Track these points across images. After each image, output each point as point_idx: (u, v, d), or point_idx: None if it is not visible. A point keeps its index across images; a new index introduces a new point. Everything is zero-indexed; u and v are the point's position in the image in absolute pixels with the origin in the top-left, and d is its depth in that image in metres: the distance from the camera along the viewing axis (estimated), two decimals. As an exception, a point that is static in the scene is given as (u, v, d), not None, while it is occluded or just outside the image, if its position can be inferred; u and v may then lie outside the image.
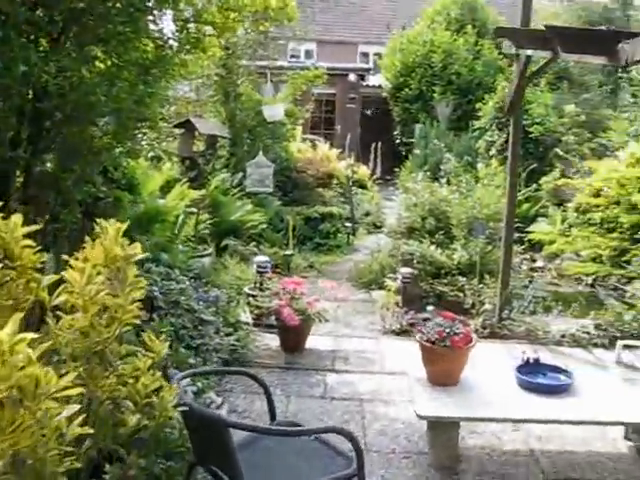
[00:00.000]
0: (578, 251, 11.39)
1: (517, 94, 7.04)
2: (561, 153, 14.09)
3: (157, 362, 2.68)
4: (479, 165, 11.83)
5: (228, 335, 6.62)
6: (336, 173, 15.40)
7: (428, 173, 11.75)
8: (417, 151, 15.43)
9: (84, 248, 2.80)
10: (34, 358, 1.84)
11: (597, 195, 11.41)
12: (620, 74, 14.28)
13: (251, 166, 11.83)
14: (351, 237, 13.15)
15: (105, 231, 2.83)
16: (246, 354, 6.62)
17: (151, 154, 12.09)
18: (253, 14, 6.89)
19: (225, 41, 12.48)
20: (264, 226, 11.06)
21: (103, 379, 2.26)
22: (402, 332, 7.65)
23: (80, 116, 5.68)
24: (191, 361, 4.29)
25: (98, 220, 2.95)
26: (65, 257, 2.87)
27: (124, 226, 2.92)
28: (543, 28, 5.59)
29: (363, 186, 17.35)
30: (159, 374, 2.58)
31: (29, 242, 2.51)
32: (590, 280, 10.35)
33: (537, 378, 4.90)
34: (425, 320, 8.00)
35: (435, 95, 20.33)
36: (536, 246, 12.52)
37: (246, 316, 7.56)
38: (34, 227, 2.64)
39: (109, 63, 6.29)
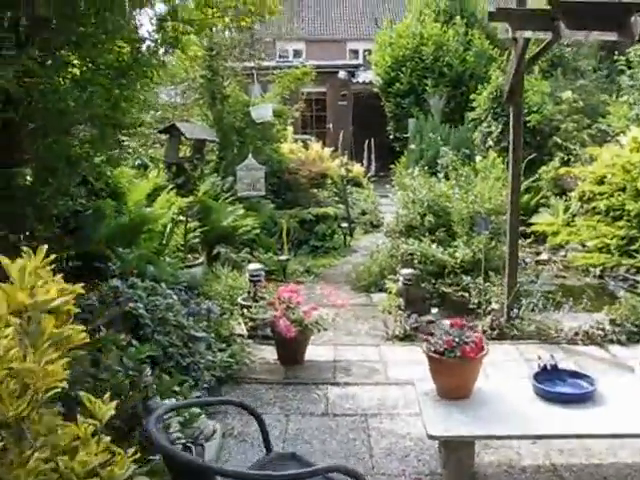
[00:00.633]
0: (584, 241, 11.03)
1: (516, 80, 6.64)
2: (560, 141, 13.73)
3: (101, 427, 2.02)
4: (477, 157, 11.42)
5: (222, 350, 6.24)
6: (330, 172, 15.00)
7: (425, 168, 11.33)
8: (412, 146, 15.00)
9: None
10: None
11: (601, 182, 11.05)
12: (617, 57, 13.86)
13: (241, 169, 11.41)
14: (348, 238, 12.73)
15: (8, 271, 2.15)
16: (241, 370, 6.22)
17: (138, 161, 11.76)
18: (233, 9, 6.43)
19: (208, 41, 12.13)
20: (257, 231, 10.63)
21: (19, 467, 1.73)
22: (406, 337, 7.26)
23: (52, 125, 5.30)
24: (176, 389, 3.88)
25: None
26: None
27: (32, 265, 2.24)
28: (542, 7, 5.19)
29: (358, 184, 16.97)
30: (107, 440, 2.00)
31: None
32: (598, 271, 9.96)
33: (556, 386, 4.50)
34: (429, 323, 7.68)
35: (427, 88, 19.96)
36: (539, 238, 12.16)
37: (241, 328, 7.17)
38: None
39: (83, 68, 5.96)
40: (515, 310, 7.26)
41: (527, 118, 13.22)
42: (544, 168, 13.51)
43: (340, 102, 22.43)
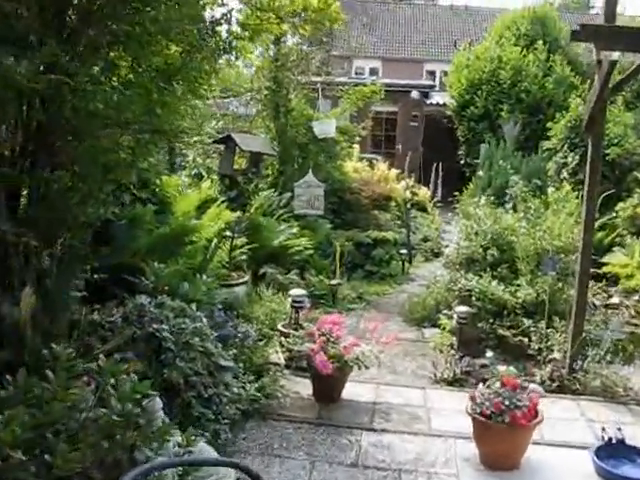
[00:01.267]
0: (661, 288, 10.21)
1: (597, 108, 5.99)
2: (640, 177, 12.90)
3: None
4: (549, 189, 10.68)
5: (252, 381, 5.75)
6: (394, 195, 14.42)
7: (492, 197, 10.65)
8: (481, 173, 14.32)
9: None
10: None
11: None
12: None
13: (300, 186, 10.97)
14: (407, 265, 12.11)
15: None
16: (270, 405, 5.72)
17: (194, 171, 11.48)
18: (292, 15, 6.01)
19: (276, 52, 11.78)
20: (311, 252, 10.12)
21: None
22: (455, 381, 6.65)
23: (82, 128, 4.94)
24: (178, 439, 3.36)
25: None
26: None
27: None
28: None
29: (423, 209, 16.35)
30: None
31: None
32: (676, 321, 9.14)
33: (622, 465, 3.86)
34: (483, 367, 7.05)
35: (502, 114, 19.28)
36: (610, 279, 11.31)
37: (278, 357, 6.68)
38: None
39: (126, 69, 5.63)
40: (579, 362, 6.56)
41: (606, 150, 12.42)
42: (621, 205, 12.71)
43: (411, 123, 21.83)
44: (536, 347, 7.02)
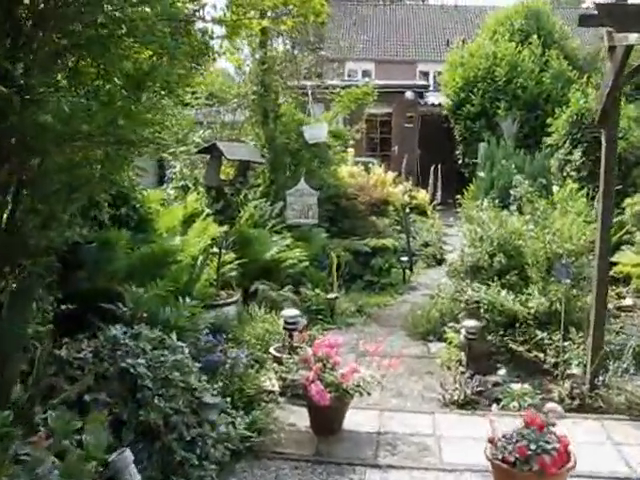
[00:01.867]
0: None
1: (611, 98, 5.43)
2: (649, 172, 12.36)
3: None
4: (554, 188, 10.09)
5: (242, 416, 5.18)
6: (392, 199, 13.83)
7: (496, 199, 10.05)
8: (482, 174, 13.73)
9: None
10: None
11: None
12: None
13: (292, 194, 10.41)
14: (408, 273, 11.52)
15: None
16: (264, 441, 5.14)
17: (181, 183, 10.92)
18: (272, 9, 5.46)
19: (262, 55, 11.26)
20: (306, 264, 9.54)
21: None
22: (466, 403, 6.07)
23: (32, 143, 4.39)
24: None
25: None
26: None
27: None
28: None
29: (422, 213, 15.77)
30: None
31: None
32: (695, 323, 8.57)
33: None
34: (495, 385, 6.48)
35: (499, 111, 18.75)
36: (621, 279, 10.75)
37: (272, 383, 6.11)
38: None
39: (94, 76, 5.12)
40: (601, 378, 5.99)
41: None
42: (629, 201, 12.17)
43: (406, 124, 21.23)
44: (552, 362, 6.47)
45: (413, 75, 30.35)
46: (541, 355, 6.60)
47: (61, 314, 5.12)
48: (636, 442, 5.32)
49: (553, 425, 3.39)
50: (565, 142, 13.55)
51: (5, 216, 4.68)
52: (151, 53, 5.18)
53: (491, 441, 3.40)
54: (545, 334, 6.73)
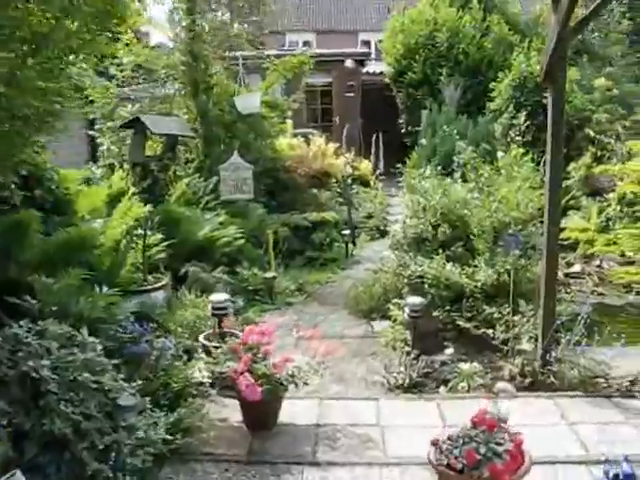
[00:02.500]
0: (624, 251, 9.43)
1: (557, 55, 5.02)
2: (592, 134, 12.10)
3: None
4: (499, 154, 9.73)
5: (165, 415, 4.66)
6: (333, 170, 13.36)
7: (438, 167, 9.62)
8: (423, 141, 13.35)
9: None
10: None
11: (644, 182, 9.43)
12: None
13: (225, 169, 9.82)
14: (350, 247, 11.09)
15: None
16: (191, 442, 4.65)
17: (108, 161, 10.30)
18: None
19: (188, 23, 10.62)
20: (242, 242, 9.01)
21: None
22: (412, 386, 5.66)
23: None
24: None
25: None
26: None
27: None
28: None
29: (365, 183, 15.36)
30: None
31: None
32: (643, 287, 8.37)
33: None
34: (443, 365, 6.10)
35: (442, 78, 18.33)
36: (567, 245, 10.48)
37: (202, 375, 5.59)
38: None
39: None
40: (552, 353, 5.63)
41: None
42: (573, 165, 12.00)
43: (347, 94, 20.71)
44: (502, 337, 6.09)
45: (355, 45, 29.88)
46: (490, 331, 6.21)
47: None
48: (591, 420, 4.98)
49: (505, 422, 2.97)
50: (509, 106, 13.28)
51: None
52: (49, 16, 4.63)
53: (435, 444, 2.97)
54: (494, 308, 6.35)
